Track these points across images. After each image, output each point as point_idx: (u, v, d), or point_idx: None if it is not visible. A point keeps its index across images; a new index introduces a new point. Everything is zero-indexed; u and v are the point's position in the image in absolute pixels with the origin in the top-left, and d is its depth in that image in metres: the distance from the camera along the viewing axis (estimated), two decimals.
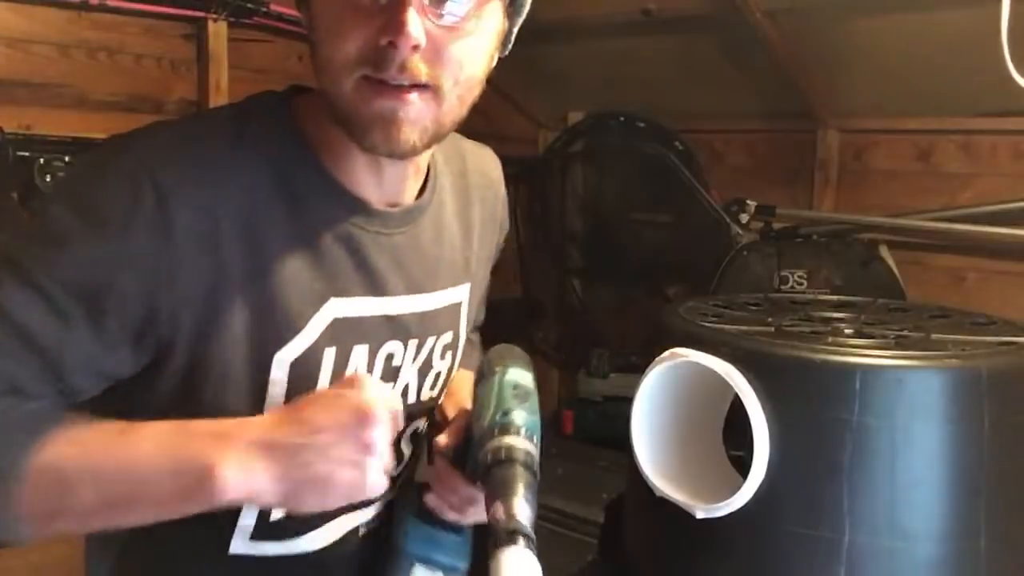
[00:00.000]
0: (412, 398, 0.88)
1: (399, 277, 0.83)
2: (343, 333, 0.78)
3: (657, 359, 1.28)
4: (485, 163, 1.01)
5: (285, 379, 0.75)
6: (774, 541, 1.18)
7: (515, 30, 0.80)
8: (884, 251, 2.20)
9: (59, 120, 1.96)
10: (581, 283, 2.90)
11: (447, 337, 0.91)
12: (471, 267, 0.95)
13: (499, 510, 0.66)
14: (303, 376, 0.76)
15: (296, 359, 0.75)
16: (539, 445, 0.74)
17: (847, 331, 1.32)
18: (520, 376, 0.78)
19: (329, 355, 0.77)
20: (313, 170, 0.77)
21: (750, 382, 1.16)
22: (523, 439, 0.72)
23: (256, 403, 0.75)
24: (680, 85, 2.55)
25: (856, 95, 2.28)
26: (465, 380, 0.96)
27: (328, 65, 0.71)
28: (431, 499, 0.87)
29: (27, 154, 1.77)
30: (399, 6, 0.66)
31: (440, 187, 0.90)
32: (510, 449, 0.71)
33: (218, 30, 2.17)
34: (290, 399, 0.74)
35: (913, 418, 1.12)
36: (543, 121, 3.01)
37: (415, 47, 0.67)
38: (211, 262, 0.71)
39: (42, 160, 1.76)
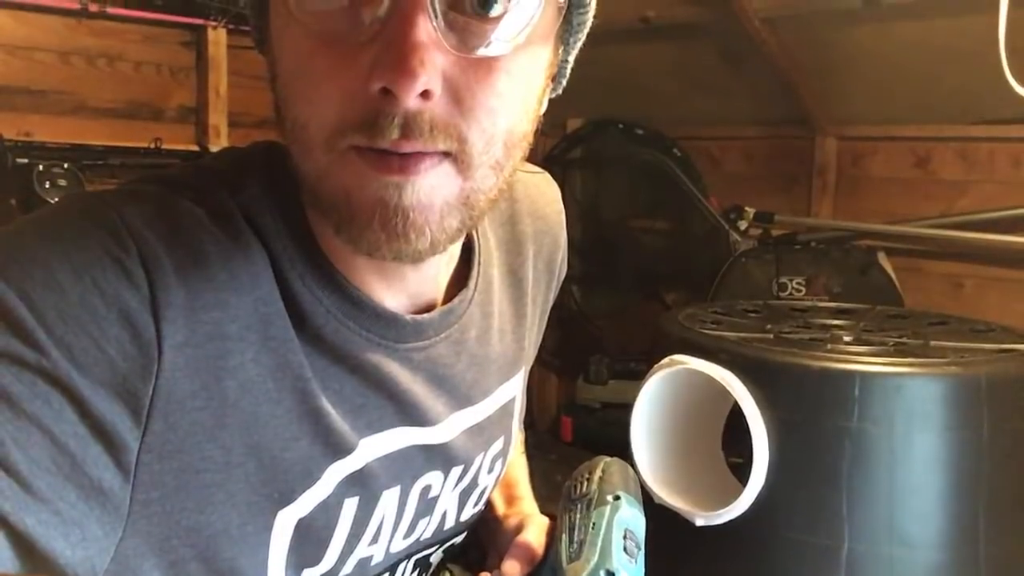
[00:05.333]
0: (451, 523, 0.70)
1: (440, 397, 0.63)
2: (368, 480, 0.60)
3: (656, 366, 1.28)
4: (541, 200, 0.77)
5: (288, 540, 0.57)
6: (774, 548, 1.18)
7: (571, 60, 0.59)
8: (882, 258, 2.21)
9: (59, 127, 1.97)
10: (580, 289, 2.89)
11: (497, 446, 0.72)
12: (525, 349, 0.74)
13: None
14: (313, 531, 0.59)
15: (304, 517, 0.57)
16: None
17: (846, 338, 1.33)
18: (633, 518, 0.63)
19: (351, 505, 0.59)
20: (326, 280, 0.55)
21: (749, 389, 1.17)
22: None
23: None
24: (678, 92, 2.55)
25: (854, 102, 2.28)
26: (520, 467, 0.82)
27: (300, 133, 0.48)
28: None
29: (26, 161, 1.78)
30: (399, 30, 0.44)
31: (486, 257, 0.68)
32: None
33: (217, 37, 2.18)
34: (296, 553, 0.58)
35: (912, 425, 1.12)
36: (542, 128, 3.01)
37: (425, 94, 0.45)
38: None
39: (41, 167, 1.76)
